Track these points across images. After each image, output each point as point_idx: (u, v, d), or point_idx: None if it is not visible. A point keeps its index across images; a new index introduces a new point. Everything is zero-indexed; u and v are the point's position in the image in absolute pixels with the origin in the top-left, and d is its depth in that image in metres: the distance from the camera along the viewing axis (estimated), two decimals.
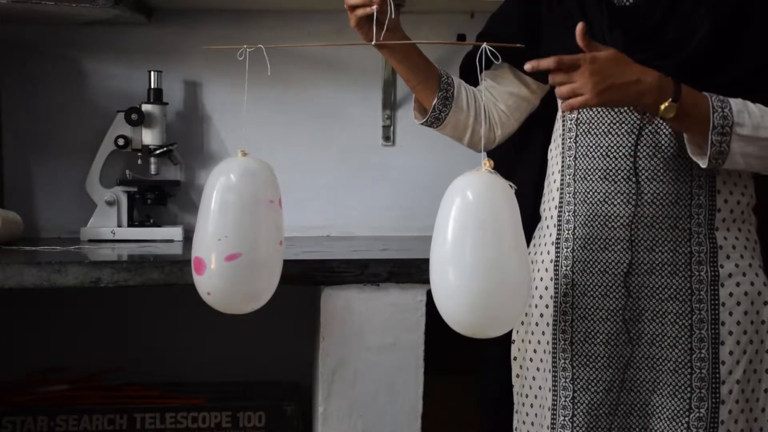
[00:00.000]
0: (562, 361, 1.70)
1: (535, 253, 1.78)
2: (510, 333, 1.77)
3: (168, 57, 2.52)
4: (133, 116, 2.39)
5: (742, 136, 1.53)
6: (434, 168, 2.54)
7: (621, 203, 1.64)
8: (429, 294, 1.67)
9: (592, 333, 1.67)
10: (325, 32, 2.49)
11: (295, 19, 2.53)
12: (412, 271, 1.92)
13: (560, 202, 1.72)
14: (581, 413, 1.68)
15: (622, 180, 1.64)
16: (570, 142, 1.70)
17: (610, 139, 1.65)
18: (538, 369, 1.76)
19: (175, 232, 2.44)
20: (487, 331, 1.51)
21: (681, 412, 1.63)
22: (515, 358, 1.82)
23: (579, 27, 1.49)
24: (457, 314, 1.48)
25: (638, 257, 1.64)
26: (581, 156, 1.68)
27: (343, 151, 2.61)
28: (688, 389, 1.63)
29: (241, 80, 2.47)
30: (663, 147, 1.62)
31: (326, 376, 1.94)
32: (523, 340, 1.79)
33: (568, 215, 1.71)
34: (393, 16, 1.61)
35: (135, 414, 2.25)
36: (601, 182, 1.66)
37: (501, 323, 1.51)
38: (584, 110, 1.68)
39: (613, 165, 1.65)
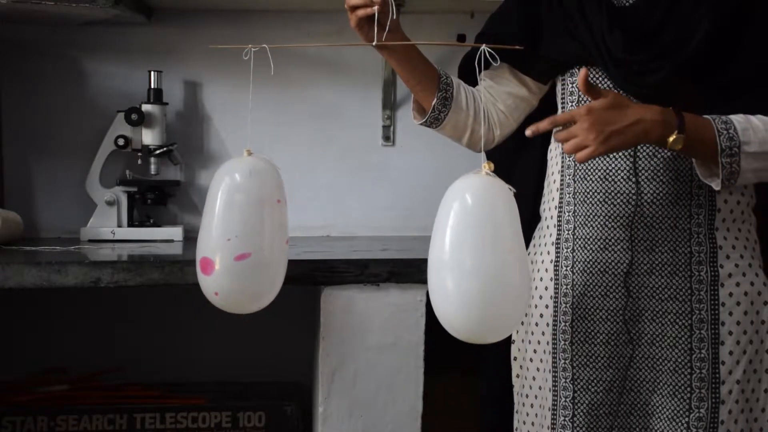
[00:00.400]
0: (563, 361, 1.70)
1: (535, 254, 1.78)
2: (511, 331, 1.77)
3: (168, 57, 2.52)
4: (133, 116, 2.39)
5: (750, 153, 1.53)
6: (434, 168, 2.54)
7: (621, 203, 1.64)
8: (429, 294, 1.67)
9: (593, 333, 1.67)
10: (325, 32, 2.50)
11: (295, 19, 2.53)
12: (412, 271, 1.92)
13: (560, 203, 1.73)
14: (581, 413, 1.68)
15: (622, 180, 1.64)
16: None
17: None
18: (538, 369, 1.76)
19: (175, 232, 2.44)
20: (486, 337, 1.49)
21: (681, 412, 1.64)
22: (515, 358, 1.82)
23: (581, 73, 1.50)
24: (455, 320, 1.46)
25: (638, 257, 1.64)
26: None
27: (343, 151, 2.61)
28: (688, 389, 1.63)
29: (241, 80, 2.47)
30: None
31: (326, 376, 1.94)
32: (523, 341, 1.79)
33: (568, 215, 1.71)
34: (395, 17, 1.61)
35: (135, 414, 2.25)
36: (601, 182, 1.66)
37: (500, 329, 1.49)
38: None
39: (613, 165, 1.65)
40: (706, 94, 1.60)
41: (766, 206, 1.76)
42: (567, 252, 1.70)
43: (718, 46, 1.58)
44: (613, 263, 1.65)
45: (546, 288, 1.73)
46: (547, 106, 1.80)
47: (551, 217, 1.75)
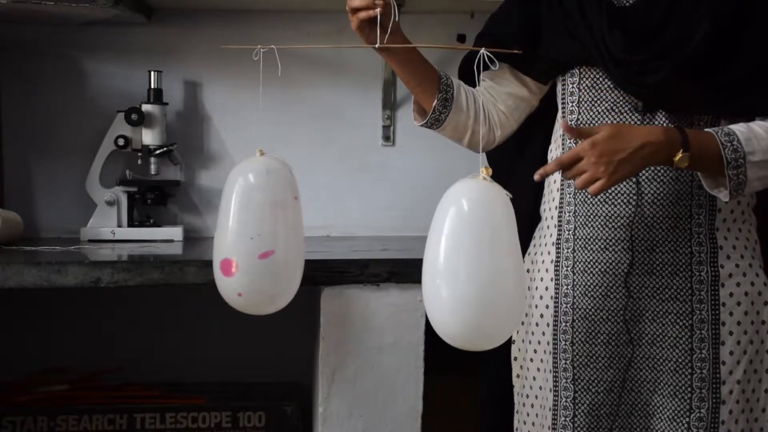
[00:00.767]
0: (563, 361, 1.70)
1: (536, 254, 1.78)
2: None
3: (168, 57, 2.52)
4: (133, 116, 2.39)
5: (756, 162, 1.53)
6: (434, 168, 2.54)
7: (621, 203, 1.64)
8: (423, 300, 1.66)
9: (593, 333, 1.67)
10: (326, 32, 2.50)
11: (296, 19, 2.53)
12: (412, 271, 1.92)
13: (560, 203, 1.72)
14: (582, 414, 1.68)
15: None
16: (570, 142, 1.70)
17: None
18: (538, 369, 1.76)
19: (175, 232, 2.44)
20: (482, 345, 1.48)
21: (682, 412, 1.64)
22: (516, 359, 1.82)
23: (562, 124, 1.52)
24: (450, 328, 1.45)
25: (639, 257, 1.64)
26: None
27: (343, 151, 2.61)
28: (689, 389, 1.63)
29: (241, 80, 2.49)
30: None
31: (326, 376, 1.94)
32: (523, 341, 1.79)
33: (569, 216, 1.71)
34: (397, 19, 1.61)
35: (135, 414, 2.25)
36: None
37: (495, 337, 1.48)
38: (584, 111, 1.68)
39: None
40: (706, 94, 1.60)
41: (766, 206, 1.76)
42: (567, 252, 1.70)
43: (718, 46, 1.58)
44: (613, 263, 1.65)
45: (546, 288, 1.73)
46: (547, 106, 1.80)
47: (552, 218, 1.75)
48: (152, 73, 2.45)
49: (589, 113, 1.67)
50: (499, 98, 1.80)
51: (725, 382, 1.63)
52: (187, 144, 2.55)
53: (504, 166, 1.88)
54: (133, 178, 2.46)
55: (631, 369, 1.66)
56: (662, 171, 1.62)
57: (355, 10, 1.60)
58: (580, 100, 1.68)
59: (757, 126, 1.56)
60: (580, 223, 1.69)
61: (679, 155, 1.51)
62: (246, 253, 1.59)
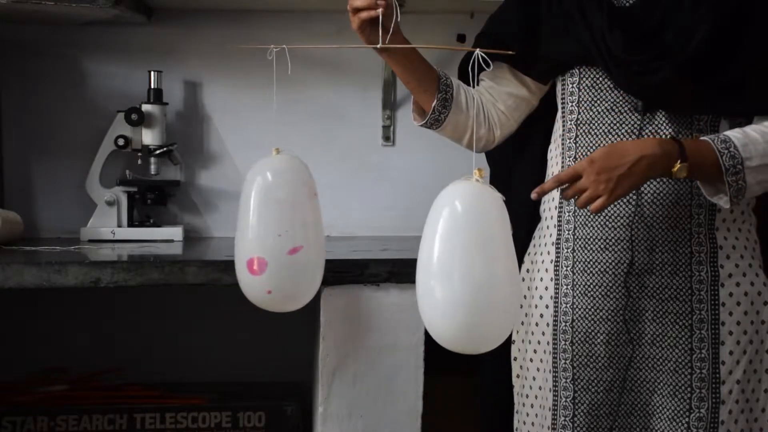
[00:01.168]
0: (563, 361, 1.70)
1: (536, 254, 1.78)
2: (510, 333, 1.77)
3: (168, 57, 2.52)
4: (133, 116, 2.39)
5: (753, 167, 1.54)
6: (434, 168, 2.54)
7: (621, 203, 1.64)
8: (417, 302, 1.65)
9: (593, 333, 1.67)
10: (326, 32, 2.49)
11: (296, 19, 2.53)
12: (412, 271, 1.89)
13: (560, 203, 1.72)
14: (582, 413, 1.68)
15: None
16: (570, 142, 1.70)
17: (610, 139, 1.65)
18: (538, 369, 1.76)
19: (175, 232, 2.44)
20: (477, 348, 1.47)
21: (681, 412, 1.64)
22: (515, 359, 1.82)
23: (547, 184, 1.53)
24: (444, 331, 1.43)
25: (638, 257, 1.64)
26: (581, 156, 1.68)
27: (343, 151, 2.61)
28: (689, 389, 1.63)
29: (241, 80, 2.49)
30: None
31: (326, 376, 1.94)
32: (523, 341, 1.79)
33: (568, 215, 1.71)
34: (399, 20, 1.61)
35: (135, 414, 2.25)
36: None
37: (490, 340, 1.46)
38: (584, 111, 1.68)
39: None
40: (706, 94, 1.61)
41: (766, 206, 1.76)
42: (567, 252, 1.70)
43: (718, 46, 1.58)
44: (613, 263, 1.65)
45: (546, 288, 1.73)
46: (547, 106, 1.80)
47: (551, 217, 1.75)
48: (152, 73, 2.45)
49: (588, 113, 1.67)
50: (498, 98, 1.80)
51: (725, 382, 1.63)
52: (187, 144, 2.55)
53: (504, 166, 1.89)
54: (133, 178, 2.46)
55: (631, 369, 1.66)
56: None
57: (357, 10, 1.60)
58: (580, 100, 1.69)
59: (752, 130, 1.56)
60: (580, 223, 1.69)
61: (678, 166, 1.51)
62: (276, 249, 1.61)
